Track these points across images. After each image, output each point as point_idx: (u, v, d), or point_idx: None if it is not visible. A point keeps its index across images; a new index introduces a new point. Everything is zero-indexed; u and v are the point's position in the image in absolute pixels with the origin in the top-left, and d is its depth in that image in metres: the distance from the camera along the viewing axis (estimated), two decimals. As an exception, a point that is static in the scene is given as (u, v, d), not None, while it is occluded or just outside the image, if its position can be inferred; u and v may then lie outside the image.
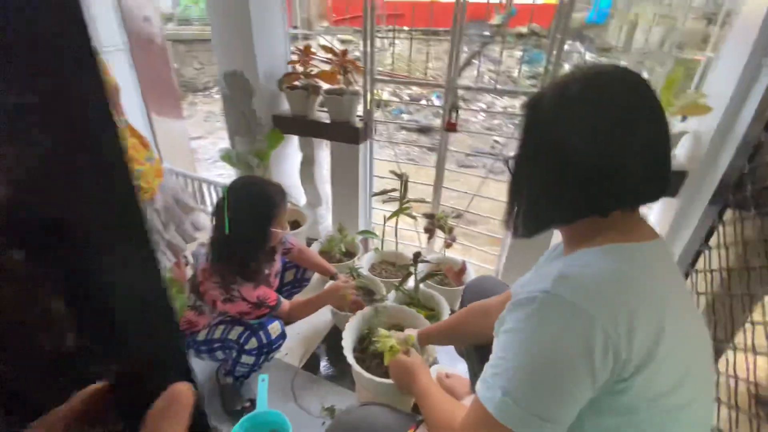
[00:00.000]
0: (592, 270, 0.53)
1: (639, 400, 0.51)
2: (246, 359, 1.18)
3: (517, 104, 6.32)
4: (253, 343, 1.15)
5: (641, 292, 0.51)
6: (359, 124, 1.73)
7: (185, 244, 1.43)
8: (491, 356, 0.58)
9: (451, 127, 1.58)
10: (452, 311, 1.58)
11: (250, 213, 1.12)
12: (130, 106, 2.26)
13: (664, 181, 0.55)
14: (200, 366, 1.42)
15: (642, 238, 0.56)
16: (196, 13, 10.01)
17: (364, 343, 1.24)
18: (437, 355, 1.33)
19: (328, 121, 1.78)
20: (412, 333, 1.03)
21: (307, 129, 1.85)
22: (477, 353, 1.00)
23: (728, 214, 1.12)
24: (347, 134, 1.74)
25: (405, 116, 6.07)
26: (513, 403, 0.50)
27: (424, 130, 5.32)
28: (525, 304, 0.53)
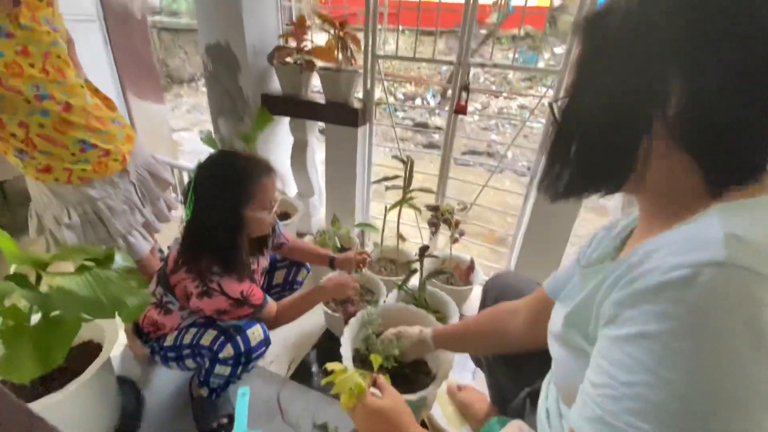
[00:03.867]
0: None
1: None
2: (221, 369, 0.98)
3: (513, 105, 6.26)
4: (228, 350, 0.95)
5: None
6: (358, 105, 1.56)
7: (160, 226, 1.24)
8: (593, 378, 0.38)
9: (461, 108, 1.42)
10: (461, 315, 1.42)
11: (217, 192, 0.93)
12: (104, 84, 2.05)
13: None
14: (170, 374, 1.22)
15: None
16: (183, 7, 9.75)
17: (367, 349, 1.06)
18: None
19: (323, 102, 1.60)
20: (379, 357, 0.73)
21: (300, 109, 1.67)
22: (504, 365, 0.83)
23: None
24: (345, 116, 1.57)
25: (399, 114, 5.94)
26: None
27: (420, 127, 5.18)
28: (673, 288, 0.33)
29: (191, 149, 4.14)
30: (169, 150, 2.92)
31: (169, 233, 1.98)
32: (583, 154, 0.44)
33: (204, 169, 0.94)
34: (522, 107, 6.19)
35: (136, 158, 1.16)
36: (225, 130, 1.80)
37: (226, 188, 0.92)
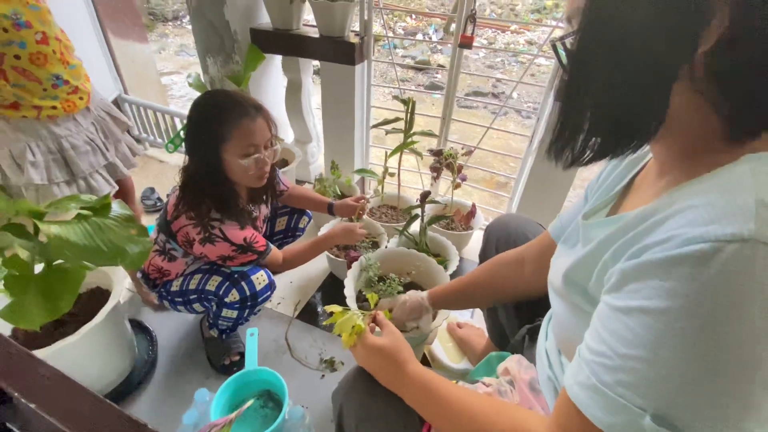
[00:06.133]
0: None
1: None
2: (228, 313, 1.02)
3: (521, 40, 5.86)
4: (234, 295, 0.98)
5: None
6: (355, 40, 1.45)
7: (127, 171, 1.21)
8: (591, 344, 0.36)
9: (466, 41, 1.31)
10: (461, 258, 1.44)
11: (196, 130, 0.91)
12: (80, 20, 1.89)
13: None
14: (181, 317, 1.27)
15: None
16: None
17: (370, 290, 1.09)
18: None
19: (316, 36, 1.48)
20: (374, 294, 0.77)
21: (292, 46, 1.55)
22: (503, 306, 0.84)
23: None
24: (340, 52, 1.46)
25: (399, 52, 5.59)
26: (672, 427, 0.30)
27: (421, 64, 4.89)
28: (687, 264, 0.29)
29: (182, 94, 3.96)
30: (159, 95, 2.79)
31: (167, 181, 1.96)
32: (605, 104, 0.36)
33: (192, 108, 0.92)
34: (530, 42, 5.80)
35: (94, 97, 1.11)
36: (214, 71, 1.69)
37: (203, 125, 0.90)
